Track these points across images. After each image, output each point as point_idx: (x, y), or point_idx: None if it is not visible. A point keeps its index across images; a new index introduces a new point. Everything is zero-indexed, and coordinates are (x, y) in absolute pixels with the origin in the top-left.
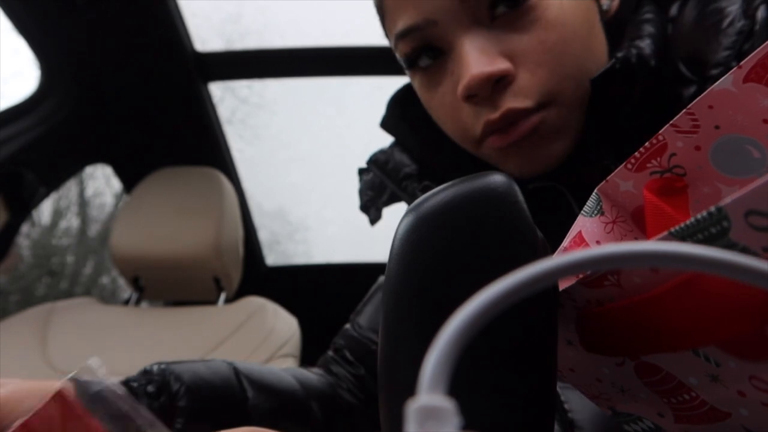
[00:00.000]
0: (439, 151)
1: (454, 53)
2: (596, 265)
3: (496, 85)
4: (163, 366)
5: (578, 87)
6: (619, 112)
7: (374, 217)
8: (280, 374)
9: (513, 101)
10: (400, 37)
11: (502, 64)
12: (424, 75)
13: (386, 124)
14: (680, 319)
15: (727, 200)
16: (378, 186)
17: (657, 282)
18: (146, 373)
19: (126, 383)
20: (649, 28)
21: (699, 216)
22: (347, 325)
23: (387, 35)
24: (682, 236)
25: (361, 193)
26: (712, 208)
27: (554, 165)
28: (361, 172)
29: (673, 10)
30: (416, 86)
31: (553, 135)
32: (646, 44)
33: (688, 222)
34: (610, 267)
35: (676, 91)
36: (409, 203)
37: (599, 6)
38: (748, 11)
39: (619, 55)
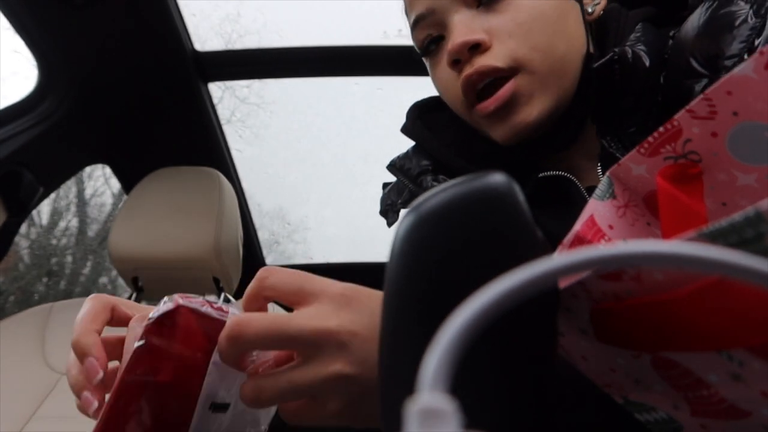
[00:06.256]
0: (453, 148)
1: (448, 34)
2: (603, 265)
3: (474, 51)
4: None
5: (546, 59)
6: (618, 102)
7: (392, 221)
8: None
9: (485, 60)
10: (413, 28)
11: (478, 35)
12: (431, 59)
13: (406, 128)
14: (707, 321)
15: (765, 204)
16: (399, 189)
17: (681, 280)
18: None
19: None
20: (643, 38)
21: (734, 218)
22: None
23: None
24: (713, 237)
25: (383, 200)
26: (750, 211)
27: (531, 130)
28: (386, 186)
29: (673, 32)
30: (429, 72)
31: (527, 101)
32: (640, 48)
33: (722, 223)
34: (619, 267)
35: (688, 86)
36: None
37: (582, 6)
38: (759, 11)
39: (617, 49)
